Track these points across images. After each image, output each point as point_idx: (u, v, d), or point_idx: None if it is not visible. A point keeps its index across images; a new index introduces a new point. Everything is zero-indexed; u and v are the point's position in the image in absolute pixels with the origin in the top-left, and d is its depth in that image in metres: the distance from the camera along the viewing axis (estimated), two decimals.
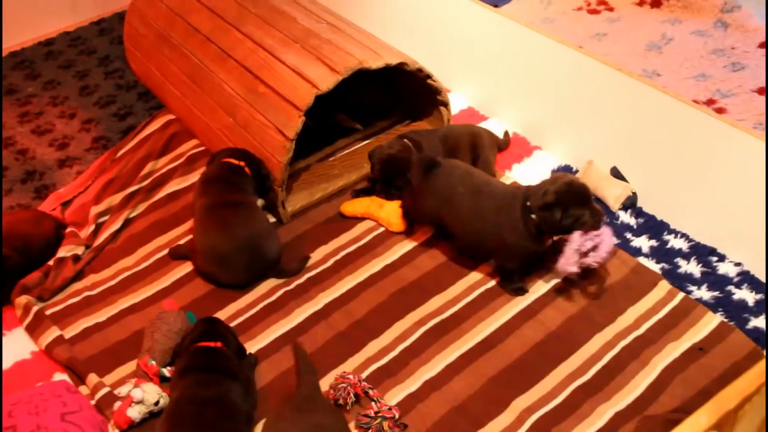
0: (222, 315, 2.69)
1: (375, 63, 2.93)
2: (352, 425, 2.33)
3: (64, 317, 2.72)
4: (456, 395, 2.40)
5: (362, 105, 3.51)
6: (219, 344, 2.32)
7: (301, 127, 2.85)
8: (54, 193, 3.25)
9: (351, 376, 2.40)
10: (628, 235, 2.93)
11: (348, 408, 2.37)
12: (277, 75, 2.97)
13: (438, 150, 3.01)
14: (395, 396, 2.41)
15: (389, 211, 2.96)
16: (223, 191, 2.81)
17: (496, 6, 3.46)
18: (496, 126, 3.44)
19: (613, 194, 3.02)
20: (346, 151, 3.39)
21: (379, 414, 2.30)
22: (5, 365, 2.57)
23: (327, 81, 2.85)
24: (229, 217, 2.75)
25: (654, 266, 2.81)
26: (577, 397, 2.38)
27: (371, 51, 2.98)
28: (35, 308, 2.71)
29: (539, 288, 2.73)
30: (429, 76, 3.14)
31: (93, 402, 2.41)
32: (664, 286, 2.72)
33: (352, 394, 2.37)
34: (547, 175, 3.19)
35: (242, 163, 2.88)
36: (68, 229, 3.02)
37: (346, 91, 3.10)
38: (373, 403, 2.34)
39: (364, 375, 2.46)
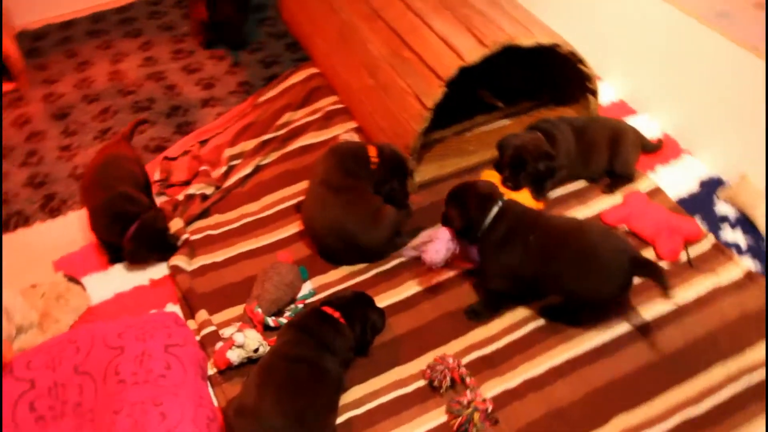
0: (334, 275, 2.70)
1: (526, 41, 2.80)
2: (443, 409, 2.28)
3: (186, 252, 2.80)
4: (556, 399, 2.30)
5: (507, 83, 3.39)
6: (338, 314, 2.30)
7: (441, 97, 2.78)
8: (194, 131, 3.35)
9: (450, 360, 2.34)
10: None
11: (441, 391, 2.32)
12: (424, 41, 2.90)
13: (571, 143, 2.86)
14: (492, 388, 2.33)
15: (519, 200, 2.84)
16: (337, 168, 2.73)
17: None
18: (645, 123, 3.23)
19: (764, 215, 2.76)
20: (484, 128, 3.28)
21: (472, 403, 2.23)
22: (126, 288, 2.69)
23: (473, 54, 2.75)
24: (330, 197, 2.68)
25: None
26: (684, 429, 2.21)
27: (524, 27, 2.85)
28: (184, 236, 2.82)
29: (663, 306, 2.54)
30: (581, 61, 2.98)
31: (198, 337, 2.48)
32: None
33: (448, 378, 2.31)
34: (693, 185, 2.97)
35: (377, 159, 2.77)
36: (201, 168, 3.10)
37: (492, 65, 3.00)
38: (468, 391, 2.27)
39: (464, 361, 2.39)
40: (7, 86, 3.69)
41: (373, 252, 2.72)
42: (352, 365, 2.39)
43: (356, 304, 2.39)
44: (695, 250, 2.72)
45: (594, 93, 3.12)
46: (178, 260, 2.72)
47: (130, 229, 2.64)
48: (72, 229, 2.93)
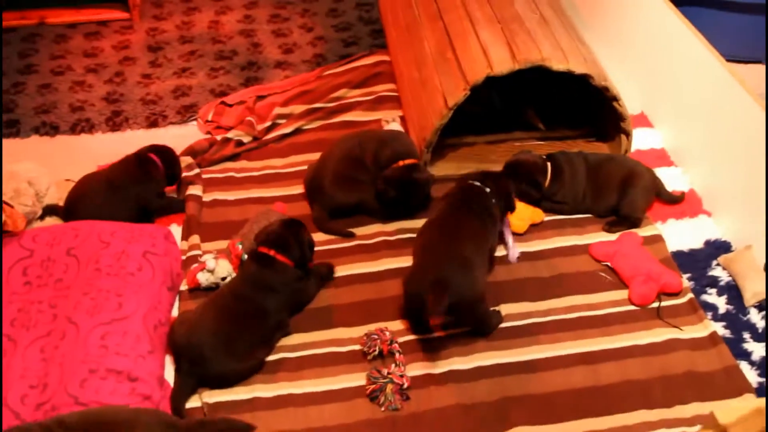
0: (321, 236, 2.90)
1: (557, 65, 2.89)
2: (365, 374, 2.44)
3: (206, 185, 3.10)
4: (471, 396, 2.39)
5: (556, 109, 3.46)
6: (273, 252, 2.50)
7: (463, 99, 2.92)
8: (256, 86, 3.66)
9: (387, 333, 2.50)
10: (746, 336, 2.63)
11: (369, 359, 2.48)
12: (467, 46, 3.05)
13: (581, 181, 2.93)
14: (417, 370, 2.46)
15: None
16: (374, 150, 2.97)
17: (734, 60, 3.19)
18: (676, 175, 3.21)
19: (752, 289, 2.72)
20: (516, 144, 3.37)
21: (390, 375, 2.38)
22: None
23: (503, 65, 2.88)
24: (342, 150, 2.98)
25: (754, 378, 2.51)
26: None
27: (562, 52, 2.94)
28: (197, 170, 3.14)
29: (612, 341, 2.57)
30: (615, 99, 3.02)
31: (184, 257, 2.77)
32: (748, 399, 2.43)
33: (377, 348, 2.47)
34: (698, 244, 2.95)
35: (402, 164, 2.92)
36: (247, 118, 3.39)
37: (544, 88, 3.15)
38: (392, 365, 2.42)
39: (403, 339, 2.54)
40: (122, 14, 4.15)
41: (322, 203, 2.95)
42: (303, 315, 2.59)
43: (288, 233, 2.56)
44: (669, 303, 2.71)
45: (627, 134, 3.15)
46: (194, 189, 3.03)
47: None
48: (126, 144, 3.28)
